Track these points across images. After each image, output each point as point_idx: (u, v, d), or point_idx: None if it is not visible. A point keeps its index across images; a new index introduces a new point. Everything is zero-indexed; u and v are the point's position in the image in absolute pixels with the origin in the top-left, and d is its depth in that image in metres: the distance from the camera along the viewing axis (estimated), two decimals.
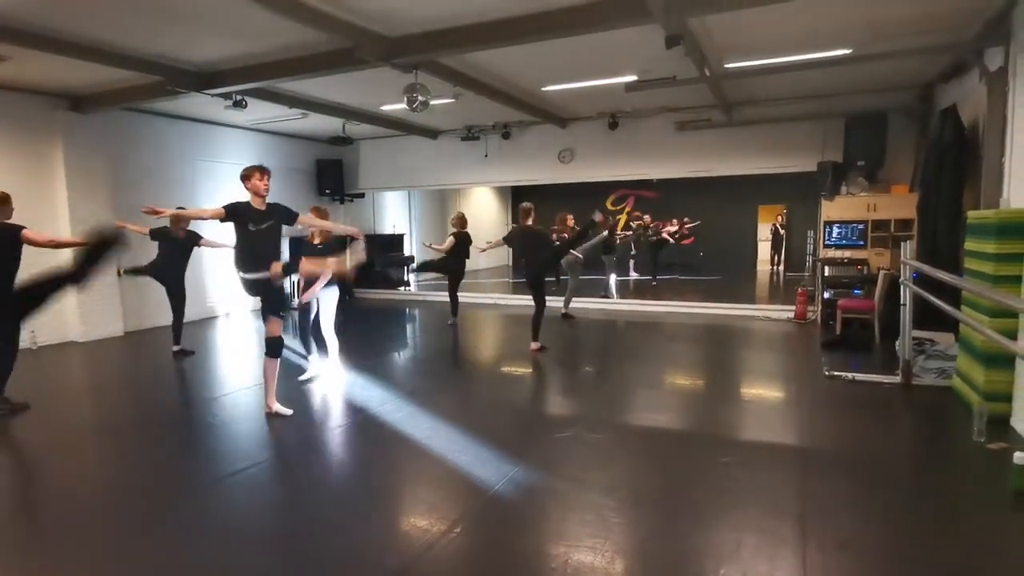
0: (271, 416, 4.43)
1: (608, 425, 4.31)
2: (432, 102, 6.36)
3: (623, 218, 16.21)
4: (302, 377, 5.42)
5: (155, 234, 6.24)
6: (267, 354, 4.46)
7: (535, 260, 6.51)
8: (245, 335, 8.17)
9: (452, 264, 8.10)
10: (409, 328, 8.41)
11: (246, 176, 4.29)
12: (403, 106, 6.26)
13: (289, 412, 4.47)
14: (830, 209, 7.88)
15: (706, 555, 2.59)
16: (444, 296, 8.45)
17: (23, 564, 2.68)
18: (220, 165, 9.63)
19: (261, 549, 2.75)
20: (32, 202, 7.31)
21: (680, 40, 4.91)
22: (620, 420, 4.51)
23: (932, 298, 4.50)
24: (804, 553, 2.56)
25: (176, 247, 6.40)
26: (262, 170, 4.30)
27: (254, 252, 4.28)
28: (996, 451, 3.58)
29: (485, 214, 17.29)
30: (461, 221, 8.07)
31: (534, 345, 6.54)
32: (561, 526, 2.87)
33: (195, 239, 6.51)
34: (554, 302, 8.91)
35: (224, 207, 4.17)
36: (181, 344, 6.55)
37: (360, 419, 4.24)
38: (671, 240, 13.15)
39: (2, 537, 2.92)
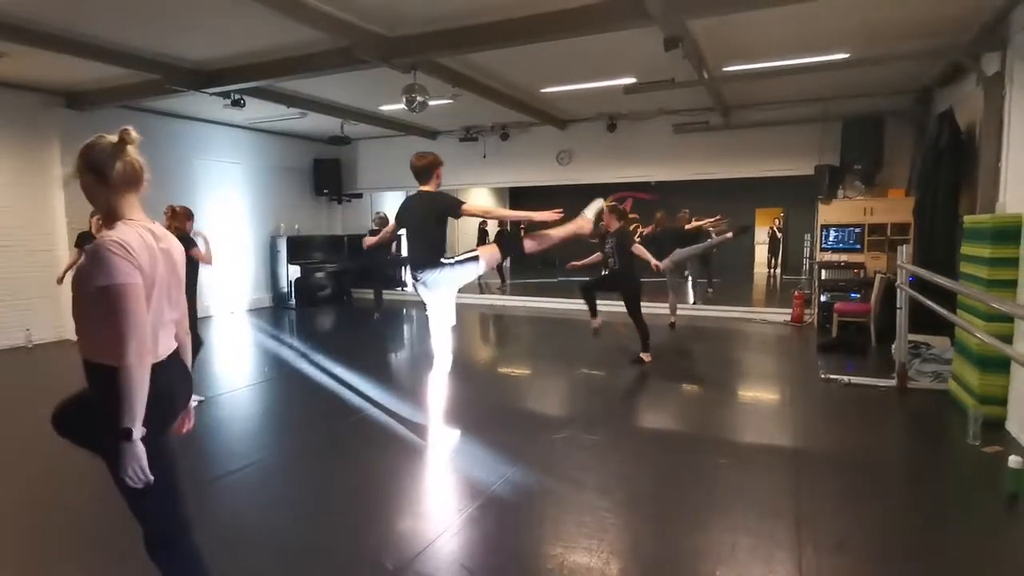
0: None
1: (605, 427, 4.31)
2: (431, 102, 6.36)
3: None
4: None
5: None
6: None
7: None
8: (240, 335, 8.14)
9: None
10: (405, 328, 8.40)
11: (436, 164, 3.72)
12: (402, 106, 6.25)
13: None
14: (827, 212, 7.90)
15: (702, 557, 2.59)
16: None
17: (19, 565, 2.67)
18: (217, 164, 9.63)
19: (254, 550, 2.74)
20: (28, 200, 7.30)
21: (679, 42, 4.92)
22: (616, 422, 4.51)
23: (928, 302, 4.51)
24: (800, 555, 2.56)
25: None
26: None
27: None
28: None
29: None
30: (384, 220, 8.21)
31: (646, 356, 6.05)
32: (557, 527, 2.87)
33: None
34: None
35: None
36: None
37: (354, 420, 4.23)
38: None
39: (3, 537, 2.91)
